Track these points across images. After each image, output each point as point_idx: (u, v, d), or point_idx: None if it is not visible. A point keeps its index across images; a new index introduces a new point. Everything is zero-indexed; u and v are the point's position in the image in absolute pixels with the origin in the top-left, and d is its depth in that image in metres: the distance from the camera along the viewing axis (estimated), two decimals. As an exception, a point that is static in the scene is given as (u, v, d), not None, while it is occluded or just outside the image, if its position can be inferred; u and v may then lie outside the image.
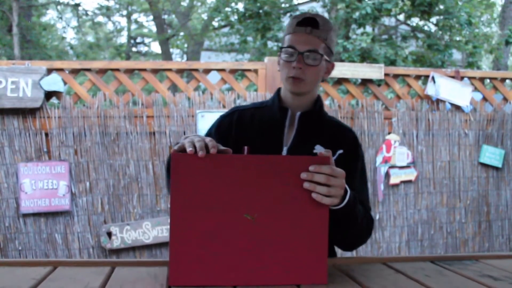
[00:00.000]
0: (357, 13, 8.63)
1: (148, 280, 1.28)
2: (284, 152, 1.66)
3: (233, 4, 10.69)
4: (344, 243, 1.63)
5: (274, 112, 1.72)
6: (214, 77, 4.25)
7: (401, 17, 10.49)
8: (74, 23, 19.33)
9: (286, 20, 10.95)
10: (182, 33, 16.78)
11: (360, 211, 1.51)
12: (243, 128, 1.71)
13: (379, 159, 4.31)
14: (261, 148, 1.50)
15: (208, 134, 1.75)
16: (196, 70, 4.16)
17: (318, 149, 1.59)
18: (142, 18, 20.77)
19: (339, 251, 1.81)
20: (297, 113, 1.70)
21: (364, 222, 1.55)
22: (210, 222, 1.22)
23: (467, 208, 4.54)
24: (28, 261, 1.46)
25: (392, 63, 8.29)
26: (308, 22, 1.62)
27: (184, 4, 16.82)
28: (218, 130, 1.74)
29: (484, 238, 4.60)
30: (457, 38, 9.38)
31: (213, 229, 1.22)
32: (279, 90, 1.78)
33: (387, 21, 11.38)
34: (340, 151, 1.51)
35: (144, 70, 4.10)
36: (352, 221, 1.47)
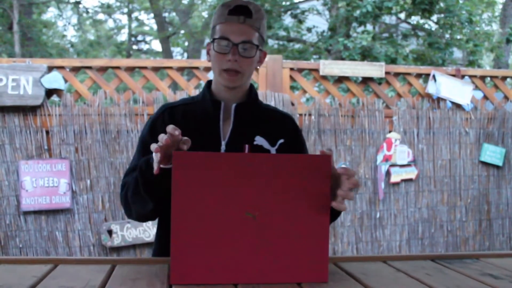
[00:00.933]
0: (357, 11, 8.63)
1: (149, 278, 1.28)
2: (223, 146, 1.60)
3: (233, 2, 10.65)
4: None
5: (207, 106, 1.64)
6: (214, 75, 4.24)
7: (402, 15, 10.48)
8: (74, 20, 19.33)
9: (287, 19, 10.94)
10: (182, 31, 16.77)
11: None
12: (177, 125, 1.57)
13: (379, 157, 4.31)
14: (199, 144, 1.45)
15: (142, 139, 1.65)
16: (197, 68, 4.16)
17: (259, 140, 1.58)
18: (142, 16, 20.76)
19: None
20: (233, 105, 1.62)
21: None
22: (211, 220, 1.22)
23: (467, 206, 4.54)
24: (29, 259, 1.46)
25: (393, 61, 8.28)
26: (241, 11, 1.53)
27: (185, 2, 16.82)
28: (152, 132, 1.61)
29: (485, 236, 4.60)
30: (458, 37, 9.37)
31: (214, 227, 1.22)
32: (209, 83, 1.69)
33: (387, 19, 11.36)
34: (281, 141, 1.52)
35: (145, 68, 4.10)
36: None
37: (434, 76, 4.43)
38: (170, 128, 1.29)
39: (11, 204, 3.80)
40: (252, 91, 1.67)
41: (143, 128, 1.68)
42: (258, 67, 1.66)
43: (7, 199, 3.79)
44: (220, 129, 1.62)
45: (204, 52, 16.50)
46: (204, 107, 1.64)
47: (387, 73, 4.44)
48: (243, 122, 1.62)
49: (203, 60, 4.30)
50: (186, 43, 17.46)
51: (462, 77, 4.56)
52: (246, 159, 1.25)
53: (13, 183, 3.80)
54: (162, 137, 1.29)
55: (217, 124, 1.62)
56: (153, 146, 1.31)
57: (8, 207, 3.79)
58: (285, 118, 1.71)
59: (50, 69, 3.89)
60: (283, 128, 1.67)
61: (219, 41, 1.54)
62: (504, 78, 4.73)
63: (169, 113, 1.64)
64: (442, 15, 9.07)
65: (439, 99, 4.47)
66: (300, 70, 4.38)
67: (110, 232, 3.87)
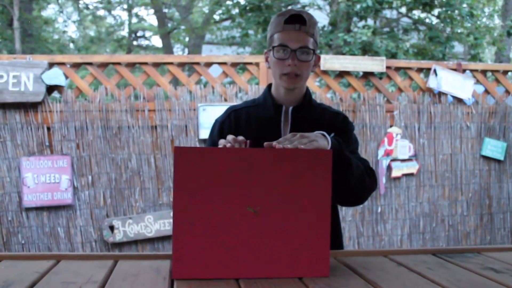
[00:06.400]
0: (358, 6, 8.59)
1: (150, 273, 1.28)
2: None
3: (234, -3, 10.65)
4: (352, 194, 1.65)
5: (269, 110, 1.75)
6: (215, 71, 4.25)
7: (403, 9, 10.44)
8: (75, 17, 19.29)
9: (287, 13, 10.89)
10: (183, 27, 16.73)
11: (352, 158, 1.58)
12: (242, 128, 1.74)
13: (381, 152, 4.31)
14: (261, 146, 1.52)
15: (212, 142, 1.78)
16: (198, 63, 4.15)
17: None
18: (143, 12, 20.70)
19: (345, 245, 1.82)
20: (290, 108, 1.73)
21: (361, 167, 1.60)
22: (213, 215, 1.23)
23: (469, 201, 4.54)
24: (31, 255, 1.46)
25: (393, 56, 8.26)
26: (296, 19, 1.65)
27: (185, -3, 16.77)
28: (221, 136, 1.72)
29: (486, 231, 4.60)
30: (459, 30, 9.34)
31: (215, 222, 1.23)
32: (269, 86, 1.81)
33: (388, 13, 11.33)
34: (332, 134, 1.58)
35: (146, 63, 4.09)
36: (347, 162, 1.53)
37: (435, 71, 4.42)
38: (230, 138, 1.47)
39: (13, 200, 3.81)
40: (307, 94, 1.77)
41: (211, 130, 1.83)
42: (313, 71, 1.76)
43: (9, 196, 3.80)
44: (281, 131, 1.73)
45: (205, 48, 16.41)
46: (266, 110, 1.76)
47: (388, 67, 4.43)
48: (300, 124, 1.72)
49: (204, 56, 4.30)
50: (187, 39, 17.42)
51: (463, 71, 4.55)
52: (247, 154, 1.25)
53: (15, 179, 3.81)
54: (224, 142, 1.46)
55: (278, 127, 1.73)
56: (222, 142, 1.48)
57: (10, 204, 3.80)
58: (337, 115, 1.80)
59: (51, 65, 3.89)
60: (333, 123, 1.75)
61: (279, 48, 1.66)
62: (505, 72, 4.72)
63: (234, 116, 1.78)
64: (443, 9, 9.03)
65: (440, 94, 4.46)
66: (301, 65, 4.37)
67: (112, 228, 3.87)
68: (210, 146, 1.76)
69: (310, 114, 1.76)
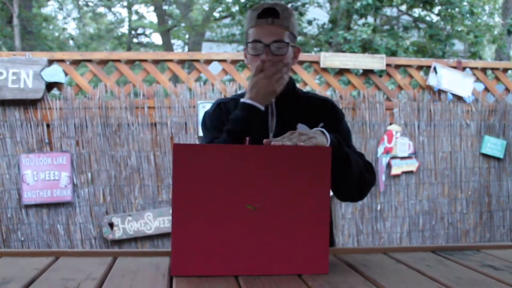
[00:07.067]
0: (358, 4, 8.59)
1: (150, 270, 1.28)
2: (271, 138, 1.65)
3: (234, -5, 10.64)
4: (352, 190, 1.64)
5: None
6: (215, 68, 4.24)
7: (403, 7, 10.44)
8: (75, 14, 19.27)
9: (287, 11, 10.88)
10: (183, 24, 16.73)
11: (351, 154, 1.57)
12: (229, 120, 1.71)
13: (380, 149, 4.31)
14: (249, 137, 1.54)
15: (206, 131, 1.76)
16: (197, 61, 4.15)
17: (301, 127, 1.63)
18: (143, 9, 20.68)
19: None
20: (272, 99, 1.69)
21: (360, 163, 1.60)
22: (212, 212, 1.22)
23: (468, 198, 4.54)
24: (31, 251, 1.46)
25: (393, 54, 8.26)
26: (269, 13, 1.62)
27: (185, -6, 16.76)
28: (213, 126, 1.73)
29: (486, 228, 4.60)
30: (459, 28, 9.34)
31: (215, 219, 1.23)
32: None
33: (388, 11, 11.32)
34: (321, 124, 1.58)
35: (145, 61, 4.09)
36: (346, 159, 1.52)
37: (435, 68, 4.42)
38: None
39: (13, 197, 3.81)
40: (290, 82, 1.73)
41: (203, 123, 1.79)
42: (293, 63, 1.73)
43: (8, 193, 3.80)
44: (268, 122, 1.70)
45: (205, 45, 16.40)
46: None
47: (388, 65, 4.43)
48: (285, 113, 1.69)
49: (204, 53, 4.30)
50: (187, 36, 17.42)
51: (463, 69, 4.55)
52: (246, 151, 1.25)
53: (14, 176, 3.81)
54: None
55: (265, 117, 1.69)
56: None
57: (9, 201, 3.80)
58: (324, 102, 1.77)
59: (51, 62, 3.89)
60: (322, 111, 1.72)
61: (252, 44, 1.64)
62: (505, 70, 4.72)
63: (224, 107, 1.76)
64: (443, 7, 9.03)
65: (440, 91, 4.46)
66: (300, 63, 4.37)
67: (111, 225, 3.88)
68: (207, 140, 1.73)
69: (296, 103, 1.73)
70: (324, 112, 1.72)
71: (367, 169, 1.63)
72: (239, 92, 4.11)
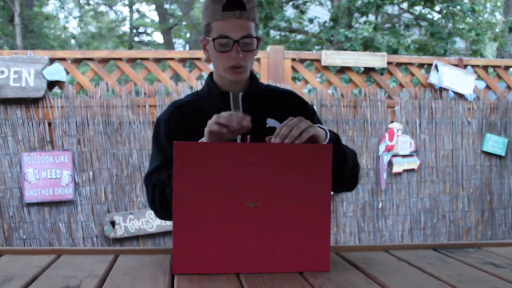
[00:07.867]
0: (359, 2, 8.58)
1: (151, 268, 1.29)
2: (239, 136, 1.57)
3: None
4: (347, 181, 1.62)
5: (215, 100, 1.63)
6: (216, 66, 4.23)
7: (404, 5, 10.43)
8: (76, 13, 19.28)
9: (288, 9, 10.89)
10: (184, 23, 16.73)
11: (346, 147, 1.57)
12: (189, 124, 1.60)
13: (382, 147, 4.31)
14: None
15: (157, 141, 1.64)
16: (199, 59, 4.15)
17: (271, 122, 1.60)
18: (144, 7, 20.68)
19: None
20: (239, 95, 1.62)
21: (351, 154, 1.59)
22: (213, 210, 1.23)
23: (470, 196, 4.54)
24: (32, 249, 1.47)
25: (395, 51, 8.25)
26: (235, 5, 1.50)
27: (186, -7, 16.75)
28: (168, 135, 1.60)
29: (487, 226, 4.60)
30: (460, 26, 9.33)
31: (216, 217, 1.23)
32: (210, 76, 1.68)
33: (390, 9, 11.31)
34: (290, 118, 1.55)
35: (147, 59, 4.09)
36: (343, 154, 1.51)
37: (436, 66, 4.41)
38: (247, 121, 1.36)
39: (14, 196, 3.81)
40: (253, 77, 1.67)
41: (155, 130, 1.66)
42: (256, 54, 1.65)
43: (10, 191, 3.81)
44: None
45: (205, 43, 16.55)
46: (213, 101, 1.63)
47: (389, 63, 4.42)
48: (252, 109, 1.59)
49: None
50: (188, 35, 17.43)
51: (465, 67, 4.55)
52: (247, 149, 1.25)
53: (16, 175, 3.81)
54: (239, 118, 1.35)
55: None
56: (224, 118, 1.35)
57: (11, 199, 3.81)
58: (289, 95, 1.73)
59: (52, 61, 3.89)
60: (290, 104, 1.68)
61: (220, 40, 1.52)
62: (507, 68, 4.71)
63: (178, 112, 1.63)
64: (445, 5, 9.02)
65: (441, 89, 4.46)
66: (302, 61, 4.37)
67: (113, 223, 3.88)
68: (159, 162, 1.58)
69: (261, 98, 1.65)
70: (293, 106, 1.67)
71: (355, 156, 1.63)
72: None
